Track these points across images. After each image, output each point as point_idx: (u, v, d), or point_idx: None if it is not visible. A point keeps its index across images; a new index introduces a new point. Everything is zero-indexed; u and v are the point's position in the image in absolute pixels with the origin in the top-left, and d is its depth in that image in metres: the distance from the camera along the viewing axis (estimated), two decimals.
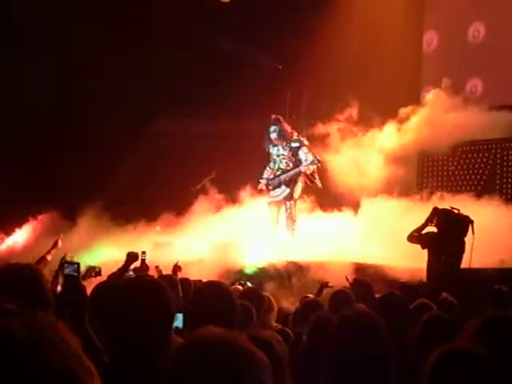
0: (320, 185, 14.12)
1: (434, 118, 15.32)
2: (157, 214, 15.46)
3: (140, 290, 3.32)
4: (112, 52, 16.52)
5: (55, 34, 15.82)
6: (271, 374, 1.72)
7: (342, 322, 3.17)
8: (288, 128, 14.36)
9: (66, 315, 4.35)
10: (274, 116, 14.32)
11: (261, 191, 14.52)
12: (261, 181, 14.50)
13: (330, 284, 8.91)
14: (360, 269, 11.36)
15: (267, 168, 14.57)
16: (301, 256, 12.91)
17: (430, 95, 15.88)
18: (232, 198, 14.89)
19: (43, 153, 16.36)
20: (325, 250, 12.81)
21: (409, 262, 11.38)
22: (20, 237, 16.89)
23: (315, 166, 13.96)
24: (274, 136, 14.22)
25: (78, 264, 4.51)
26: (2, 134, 16.16)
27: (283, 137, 14.20)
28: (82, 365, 1.38)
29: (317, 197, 14.60)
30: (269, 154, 14.50)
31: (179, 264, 9.80)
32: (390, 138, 15.13)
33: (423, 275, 10.09)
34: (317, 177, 14.09)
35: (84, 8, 15.99)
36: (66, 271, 4.42)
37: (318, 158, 13.96)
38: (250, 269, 11.93)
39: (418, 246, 10.38)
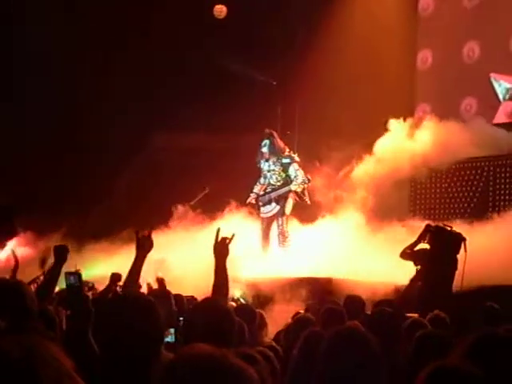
0: (309, 202, 14.16)
1: (419, 138, 15.29)
2: (151, 229, 15.40)
3: (129, 307, 3.29)
4: (110, 66, 16.61)
5: (56, 63, 15.97)
6: None
7: (334, 336, 3.17)
8: (280, 143, 14.37)
9: (57, 326, 4.32)
10: (267, 130, 14.36)
11: (250, 205, 14.53)
12: (251, 194, 14.52)
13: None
14: (348, 285, 11.40)
15: (257, 183, 14.59)
16: (292, 272, 12.92)
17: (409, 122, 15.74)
18: (224, 214, 14.85)
19: (37, 170, 16.37)
20: (315, 266, 12.86)
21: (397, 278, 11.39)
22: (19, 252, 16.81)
23: (305, 185, 13.99)
24: (264, 150, 14.26)
25: (78, 274, 4.47)
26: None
27: (274, 152, 14.22)
28: None
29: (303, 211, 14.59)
30: (260, 168, 14.53)
31: (160, 276, 9.60)
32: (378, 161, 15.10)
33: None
34: (306, 193, 14.13)
35: (84, 35, 16.19)
36: (68, 281, 4.39)
37: (309, 177, 14.00)
38: (239, 293, 11.87)
39: (407, 263, 10.40)
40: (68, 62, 16.28)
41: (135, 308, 3.27)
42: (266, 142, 14.25)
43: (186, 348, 1.79)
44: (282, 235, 14.14)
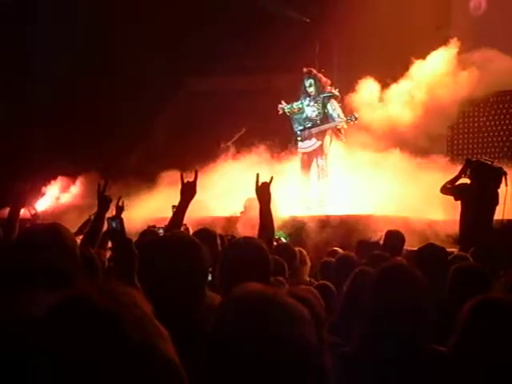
0: (344, 140, 14.03)
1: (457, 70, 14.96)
2: (189, 172, 15.46)
3: (174, 247, 3.31)
4: (145, 9, 16.50)
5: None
6: (313, 329, 1.73)
7: (381, 273, 3.20)
8: (324, 78, 14.16)
9: (99, 268, 4.37)
10: (305, 69, 14.16)
11: (291, 142, 14.46)
12: (280, 105, 14.40)
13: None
14: (391, 221, 11.40)
15: (293, 104, 14.40)
16: (332, 209, 12.95)
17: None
18: (263, 153, 14.82)
19: (74, 113, 16.47)
20: (356, 203, 12.86)
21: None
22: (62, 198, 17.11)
23: (352, 123, 13.77)
24: (311, 90, 14.04)
25: (120, 218, 4.52)
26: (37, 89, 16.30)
27: (320, 87, 14.04)
28: (158, 332, 1.34)
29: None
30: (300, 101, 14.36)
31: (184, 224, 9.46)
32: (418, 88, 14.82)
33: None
34: (343, 131, 13.99)
35: None
36: (110, 226, 4.45)
37: (356, 115, 13.74)
38: (280, 234, 11.89)
39: (451, 198, 10.37)
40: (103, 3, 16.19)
41: (180, 248, 3.30)
42: (311, 81, 14.07)
43: (237, 287, 1.79)
44: (322, 173, 14.05)
